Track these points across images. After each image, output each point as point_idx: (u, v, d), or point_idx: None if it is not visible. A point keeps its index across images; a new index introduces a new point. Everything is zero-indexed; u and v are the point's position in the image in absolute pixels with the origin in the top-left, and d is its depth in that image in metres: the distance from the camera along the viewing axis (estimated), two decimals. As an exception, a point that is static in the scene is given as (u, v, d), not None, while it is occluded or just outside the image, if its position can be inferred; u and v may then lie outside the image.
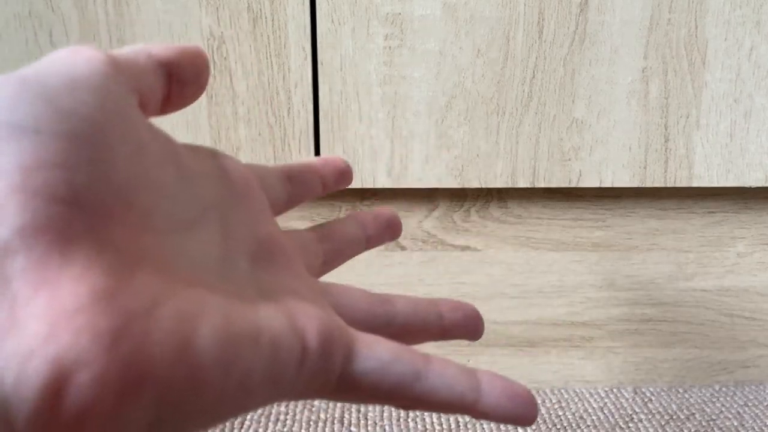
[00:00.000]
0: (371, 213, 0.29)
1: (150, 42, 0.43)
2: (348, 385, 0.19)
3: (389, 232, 0.29)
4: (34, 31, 0.42)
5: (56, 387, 0.13)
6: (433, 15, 0.43)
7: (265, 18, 0.43)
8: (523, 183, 0.46)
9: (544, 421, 0.48)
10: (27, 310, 0.13)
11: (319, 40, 0.43)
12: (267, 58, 0.43)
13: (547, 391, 0.53)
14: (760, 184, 0.47)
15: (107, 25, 0.42)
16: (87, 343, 0.13)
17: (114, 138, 0.16)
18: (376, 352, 0.19)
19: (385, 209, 0.29)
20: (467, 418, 0.48)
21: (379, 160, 0.45)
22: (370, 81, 0.44)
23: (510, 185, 0.46)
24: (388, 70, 0.44)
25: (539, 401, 0.51)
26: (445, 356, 0.52)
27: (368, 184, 0.46)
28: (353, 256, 0.28)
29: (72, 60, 0.17)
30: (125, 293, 0.14)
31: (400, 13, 0.43)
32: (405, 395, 0.19)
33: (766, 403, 0.51)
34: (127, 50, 0.19)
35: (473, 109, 0.45)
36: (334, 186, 0.28)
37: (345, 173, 0.29)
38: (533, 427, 0.47)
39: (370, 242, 0.29)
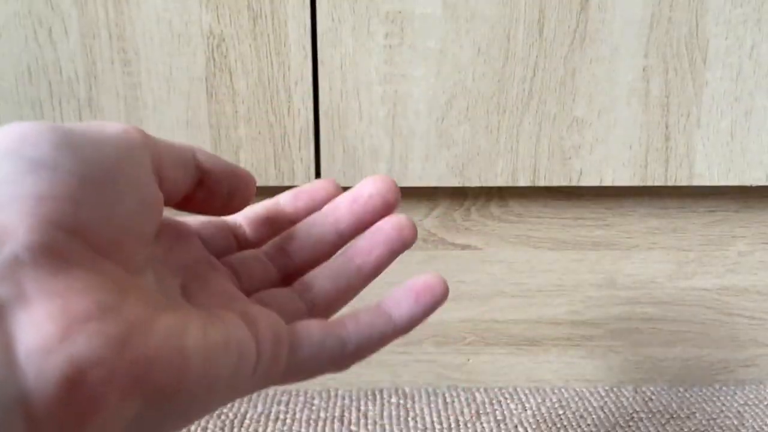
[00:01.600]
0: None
1: (151, 40, 0.43)
2: (290, 372, 0.22)
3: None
4: (34, 30, 0.42)
5: (73, 381, 0.15)
6: (434, 13, 0.43)
7: (265, 16, 0.43)
8: (523, 182, 0.46)
9: (545, 420, 0.48)
10: (42, 313, 0.15)
11: (319, 39, 0.43)
12: (267, 57, 0.43)
13: (548, 390, 0.52)
14: (760, 183, 0.47)
15: (107, 23, 0.42)
16: (99, 345, 0.15)
17: (123, 189, 0.19)
18: (310, 338, 0.22)
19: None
20: (467, 416, 0.48)
21: (380, 159, 0.45)
22: (370, 79, 0.44)
23: (510, 184, 0.46)
24: (389, 68, 0.44)
25: (539, 400, 0.51)
26: (444, 355, 0.52)
27: (368, 183, 0.46)
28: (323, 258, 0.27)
29: (111, 125, 0.20)
30: (125, 308, 0.17)
31: (400, 12, 0.43)
32: (338, 362, 0.22)
33: (766, 403, 0.51)
34: (176, 142, 0.22)
35: (474, 107, 0.45)
36: (307, 213, 0.27)
37: (322, 199, 0.27)
38: (534, 426, 0.47)
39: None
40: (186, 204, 0.23)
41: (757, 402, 0.51)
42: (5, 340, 0.14)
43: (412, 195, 0.49)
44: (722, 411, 0.50)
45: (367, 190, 0.26)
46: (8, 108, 0.44)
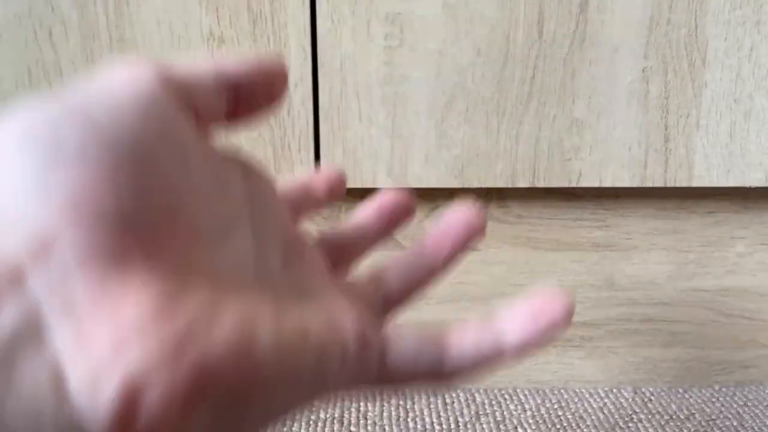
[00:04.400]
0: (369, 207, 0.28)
1: (151, 42, 0.43)
2: (385, 376, 0.20)
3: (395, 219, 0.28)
4: (34, 31, 0.42)
5: (129, 403, 0.13)
6: (434, 15, 0.43)
7: (265, 18, 0.43)
8: (523, 183, 0.46)
9: (544, 421, 0.48)
10: (93, 328, 0.14)
11: (319, 40, 0.43)
12: (267, 58, 0.43)
13: (547, 391, 0.53)
14: (760, 185, 0.47)
15: (107, 25, 0.42)
16: (153, 353, 0.14)
17: (158, 157, 0.16)
18: (404, 346, 0.20)
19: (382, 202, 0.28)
20: (467, 417, 0.48)
21: (380, 160, 0.45)
22: (370, 81, 0.44)
23: (510, 185, 0.46)
24: (388, 69, 0.44)
25: (539, 401, 0.51)
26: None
27: (368, 184, 0.46)
28: (361, 253, 0.27)
29: (118, 81, 0.17)
30: (184, 302, 0.15)
31: (400, 13, 0.43)
32: (438, 375, 0.20)
33: (765, 403, 0.51)
34: (191, 65, 0.19)
35: (473, 108, 0.45)
36: (327, 198, 0.28)
37: (337, 183, 0.28)
38: (533, 427, 0.47)
39: (379, 237, 0.28)
40: (234, 118, 0.21)
41: (756, 403, 0.51)
42: (55, 372, 0.13)
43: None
44: (721, 412, 0.50)
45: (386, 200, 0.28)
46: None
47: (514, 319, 0.21)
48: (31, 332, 0.13)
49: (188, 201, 0.17)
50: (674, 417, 0.49)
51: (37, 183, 0.14)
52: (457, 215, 0.26)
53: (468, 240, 0.26)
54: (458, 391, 0.52)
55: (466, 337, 0.21)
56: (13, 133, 0.15)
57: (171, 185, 0.17)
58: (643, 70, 0.45)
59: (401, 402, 0.51)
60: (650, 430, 0.47)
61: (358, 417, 0.48)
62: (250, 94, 0.21)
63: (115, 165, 0.15)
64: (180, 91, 0.18)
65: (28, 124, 0.15)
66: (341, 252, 0.27)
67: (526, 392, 0.52)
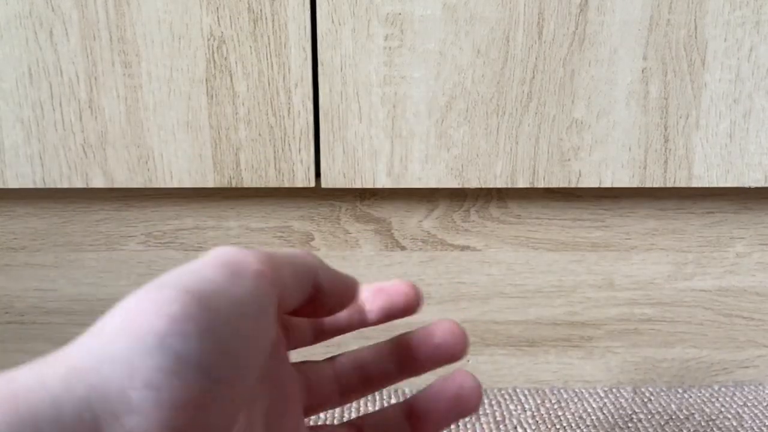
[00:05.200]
0: (414, 336, 0.27)
1: (151, 42, 0.43)
2: None
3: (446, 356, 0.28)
4: (35, 31, 0.42)
5: None
6: (434, 15, 0.43)
7: (266, 18, 0.43)
8: (522, 183, 0.46)
9: (544, 421, 0.48)
10: None
11: (319, 41, 0.43)
12: (267, 59, 0.43)
13: (547, 391, 0.53)
14: (759, 185, 0.47)
15: (107, 25, 0.43)
16: None
17: (250, 369, 0.18)
18: None
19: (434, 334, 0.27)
20: (468, 418, 0.48)
21: (379, 160, 0.45)
22: (370, 81, 0.44)
23: (510, 185, 0.46)
24: (388, 70, 0.44)
25: (539, 401, 0.51)
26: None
27: (368, 184, 0.46)
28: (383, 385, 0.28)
29: (247, 272, 0.19)
30: None
31: (400, 14, 0.43)
32: None
33: (765, 404, 0.51)
34: (299, 263, 0.21)
35: (473, 109, 0.45)
36: (385, 319, 0.28)
37: (399, 306, 0.27)
38: (533, 427, 0.47)
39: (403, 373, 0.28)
40: (295, 314, 0.23)
41: (756, 403, 0.51)
42: None
43: (411, 196, 0.49)
44: (721, 412, 0.50)
45: (435, 339, 0.27)
46: (9, 109, 0.44)
47: None
48: None
49: (247, 401, 0.19)
50: (674, 417, 0.49)
51: (152, 387, 0.16)
52: (451, 387, 0.27)
53: (459, 413, 0.27)
54: (458, 391, 0.52)
55: None
56: (152, 315, 0.17)
57: (245, 390, 0.18)
58: (642, 71, 0.45)
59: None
60: (650, 430, 0.47)
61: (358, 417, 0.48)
62: (321, 302, 0.23)
63: (218, 379, 0.17)
64: (281, 290, 0.20)
65: (167, 313, 0.17)
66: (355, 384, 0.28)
67: (526, 392, 0.52)
